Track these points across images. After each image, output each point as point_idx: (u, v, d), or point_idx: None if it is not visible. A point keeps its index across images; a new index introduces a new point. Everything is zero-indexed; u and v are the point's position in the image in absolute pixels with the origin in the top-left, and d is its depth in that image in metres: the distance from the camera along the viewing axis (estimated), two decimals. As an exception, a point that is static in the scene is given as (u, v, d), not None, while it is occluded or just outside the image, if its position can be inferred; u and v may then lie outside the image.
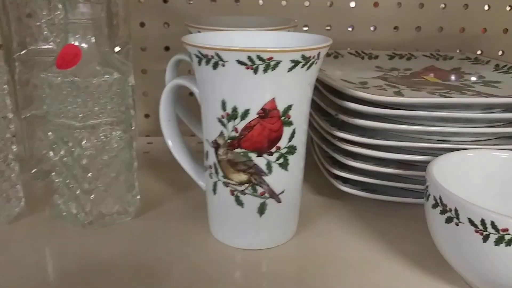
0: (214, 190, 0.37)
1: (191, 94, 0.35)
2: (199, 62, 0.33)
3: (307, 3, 0.61)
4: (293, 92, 0.33)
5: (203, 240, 0.38)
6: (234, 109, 0.33)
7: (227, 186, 0.35)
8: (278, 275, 0.34)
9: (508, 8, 0.64)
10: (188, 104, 0.45)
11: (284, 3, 0.61)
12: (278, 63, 0.31)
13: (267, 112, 0.33)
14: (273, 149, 0.34)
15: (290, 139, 0.34)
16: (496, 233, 0.27)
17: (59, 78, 0.36)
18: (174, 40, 0.60)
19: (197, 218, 0.41)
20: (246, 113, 0.33)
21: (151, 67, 0.62)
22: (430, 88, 0.45)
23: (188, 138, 0.42)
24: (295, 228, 0.39)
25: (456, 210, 0.29)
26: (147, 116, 0.64)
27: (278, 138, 0.34)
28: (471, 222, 0.28)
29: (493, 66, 0.54)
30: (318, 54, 0.33)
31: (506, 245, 0.27)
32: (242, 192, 0.35)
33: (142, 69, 0.62)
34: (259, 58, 0.31)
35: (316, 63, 0.33)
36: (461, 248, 0.30)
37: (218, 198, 0.37)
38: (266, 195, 0.35)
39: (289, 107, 0.33)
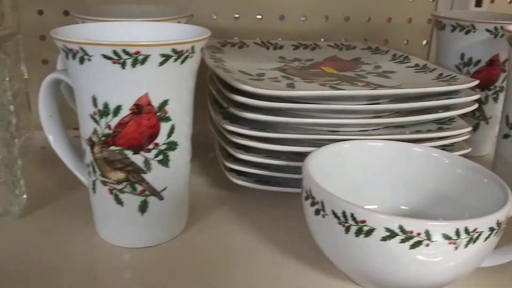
0: (94, 188, 0.35)
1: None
2: (67, 57, 0.32)
3: (214, -8, 0.61)
4: (168, 86, 0.33)
5: (89, 239, 0.37)
6: (106, 105, 0.32)
7: (105, 185, 0.34)
8: (165, 272, 0.34)
9: (411, -2, 0.66)
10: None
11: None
12: (146, 57, 0.30)
13: (140, 108, 0.32)
14: (151, 146, 0.33)
15: (169, 135, 0.34)
16: (356, 224, 0.28)
17: None
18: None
19: (84, 217, 0.39)
20: (118, 109, 0.32)
21: (54, 57, 0.59)
22: (323, 79, 0.46)
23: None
24: (183, 223, 0.39)
25: (322, 203, 0.30)
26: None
27: (155, 135, 0.33)
28: (334, 214, 0.29)
29: (391, 56, 0.55)
30: (193, 48, 0.32)
31: (365, 236, 0.28)
32: (121, 190, 0.34)
33: (43, 60, 0.59)
34: (125, 52, 0.30)
35: (191, 56, 0.33)
36: (329, 239, 0.31)
37: (98, 197, 0.36)
38: (147, 193, 0.35)
39: (165, 102, 0.33)
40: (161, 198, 0.35)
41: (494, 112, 0.53)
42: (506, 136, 0.45)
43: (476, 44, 0.51)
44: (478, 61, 0.52)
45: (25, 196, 0.40)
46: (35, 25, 0.57)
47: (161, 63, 0.31)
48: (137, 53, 0.30)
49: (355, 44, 0.60)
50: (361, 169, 0.38)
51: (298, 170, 0.42)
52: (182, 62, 0.32)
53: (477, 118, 0.54)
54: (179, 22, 0.43)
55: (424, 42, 0.69)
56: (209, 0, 0.60)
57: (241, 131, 0.40)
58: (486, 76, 0.52)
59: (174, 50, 0.31)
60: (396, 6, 0.66)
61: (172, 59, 0.31)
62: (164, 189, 0.35)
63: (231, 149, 0.42)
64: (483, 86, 0.53)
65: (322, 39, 0.64)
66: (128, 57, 0.30)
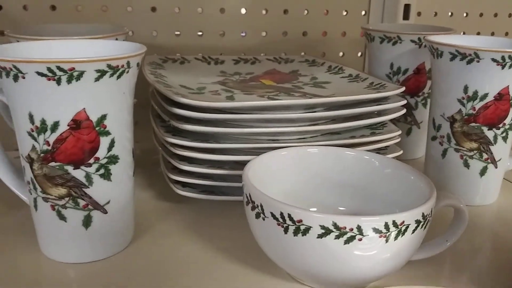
0: (35, 206, 0.35)
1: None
2: (0, 75, 0.32)
3: (154, 9, 0.62)
4: (105, 101, 0.33)
5: (34, 258, 0.37)
6: (43, 122, 0.32)
7: (47, 202, 0.34)
8: (113, 285, 0.34)
9: (344, 13, 0.70)
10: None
11: (129, 8, 0.61)
12: (82, 73, 0.31)
13: (78, 123, 0.32)
14: (91, 160, 0.34)
15: (109, 149, 0.34)
16: (294, 224, 0.30)
17: None
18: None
19: (27, 235, 0.39)
20: (56, 125, 0.32)
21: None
22: (262, 91, 0.48)
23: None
24: (129, 237, 0.39)
25: (261, 206, 0.31)
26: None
27: (95, 149, 0.34)
28: (273, 216, 0.30)
29: (327, 68, 0.58)
30: (128, 63, 0.33)
31: (302, 235, 0.30)
32: (63, 206, 0.34)
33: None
34: (60, 69, 0.30)
35: (127, 71, 0.33)
36: (270, 241, 0.32)
37: (40, 214, 0.35)
38: (90, 207, 0.35)
39: (103, 117, 0.33)
40: (105, 212, 0.35)
41: (425, 117, 0.57)
42: (433, 138, 0.49)
43: (403, 54, 0.55)
44: (406, 70, 0.55)
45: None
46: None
47: (97, 79, 0.32)
48: (72, 69, 0.30)
49: (293, 57, 0.63)
50: (298, 175, 0.39)
51: (240, 178, 0.44)
52: (118, 77, 0.33)
53: (409, 123, 0.58)
54: (116, 39, 0.44)
55: (359, 54, 0.73)
56: (149, 18, 0.61)
57: (183, 143, 0.41)
58: (414, 83, 0.56)
59: (109, 66, 0.32)
60: (330, 21, 0.69)
61: (108, 75, 0.32)
62: (107, 203, 0.35)
63: (175, 161, 0.42)
64: (412, 93, 0.56)
65: (262, 54, 0.66)
66: (63, 74, 0.30)
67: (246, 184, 0.33)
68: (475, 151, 0.46)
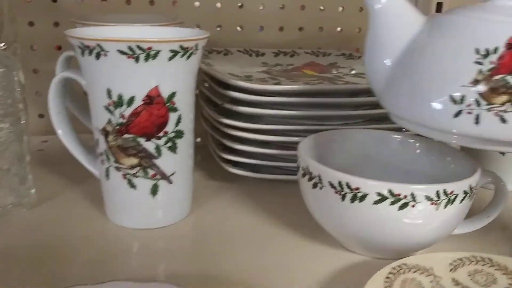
0: (107, 175, 0.38)
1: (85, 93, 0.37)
2: (83, 53, 0.35)
3: (197, 4, 0.65)
4: (175, 80, 0.36)
5: (101, 224, 0.40)
6: (120, 97, 0.35)
7: (119, 171, 0.37)
8: (174, 251, 0.37)
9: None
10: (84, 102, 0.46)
11: (176, 3, 0.64)
12: (158, 52, 0.34)
13: (152, 98, 0.35)
14: (161, 134, 0.37)
15: (176, 124, 0.37)
16: (351, 191, 0.32)
17: None
18: (66, 39, 0.60)
19: (93, 205, 0.42)
20: (131, 100, 0.35)
21: (43, 67, 0.62)
22: (306, 79, 0.51)
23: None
24: (189, 207, 0.42)
25: (319, 176, 0.34)
26: (41, 116, 0.63)
27: (165, 123, 0.37)
28: (331, 185, 0.33)
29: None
30: (196, 45, 0.36)
31: (359, 201, 0.32)
32: (134, 175, 0.37)
33: (34, 69, 0.61)
34: (139, 47, 0.33)
35: (195, 53, 0.36)
36: (326, 209, 0.35)
37: (111, 182, 0.38)
38: (158, 176, 0.38)
39: (173, 94, 0.36)
40: (170, 182, 0.38)
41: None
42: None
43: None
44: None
45: (33, 190, 0.42)
46: (25, 37, 0.59)
47: (170, 58, 0.35)
48: (149, 48, 0.34)
49: (330, 51, 0.66)
50: (346, 155, 0.42)
51: (288, 159, 0.46)
52: (188, 58, 0.36)
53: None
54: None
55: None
56: (193, 12, 0.65)
57: (237, 124, 0.44)
58: None
59: (181, 47, 0.35)
60: (364, 18, 0.72)
61: (179, 55, 0.35)
62: (172, 174, 0.38)
63: (228, 141, 0.45)
64: None
65: (299, 48, 0.68)
66: (141, 52, 0.34)
67: (303, 158, 0.36)
68: None
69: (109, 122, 0.36)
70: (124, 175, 0.37)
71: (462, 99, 0.29)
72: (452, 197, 0.32)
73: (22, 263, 0.35)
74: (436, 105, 0.30)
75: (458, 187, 0.32)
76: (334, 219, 0.35)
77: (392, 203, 0.32)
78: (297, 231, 0.40)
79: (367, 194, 0.32)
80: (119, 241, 0.38)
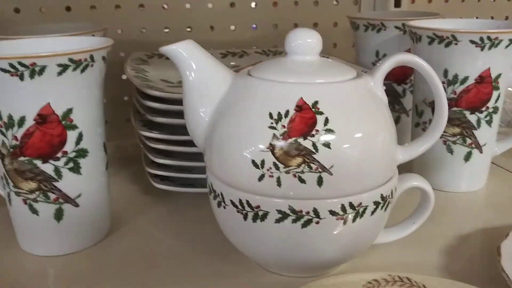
0: (9, 201, 0.36)
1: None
2: (-33, 73, 0.32)
3: (140, 7, 0.62)
4: (70, 96, 0.34)
5: (12, 251, 0.38)
6: (10, 117, 0.33)
7: (19, 196, 0.35)
8: (86, 278, 0.35)
9: (335, 3, 0.69)
10: None
11: (117, 6, 0.62)
12: (43, 68, 0.32)
13: (44, 117, 0.33)
14: (59, 154, 0.34)
15: (77, 143, 0.35)
16: (252, 210, 0.30)
17: None
18: None
19: (7, 230, 0.40)
20: (22, 120, 0.33)
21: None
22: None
23: None
24: (105, 229, 0.39)
25: (222, 195, 0.31)
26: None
27: (62, 143, 0.34)
28: (233, 203, 0.30)
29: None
30: (91, 57, 0.34)
31: (261, 220, 0.30)
32: (34, 200, 0.35)
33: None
34: (22, 64, 0.31)
35: (91, 65, 0.34)
36: (232, 228, 0.32)
37: (14, 208, 0.36)
38: (61, 200, 0.35)
39: (69, 111, 0.34)
40: (76, 205, 0.36)
41: (414, 104, 0.57)
42: (417, 124, 0.48)
43: (388, 41, 0.54)
44: (392, 57, 0.55)
45: None
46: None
47: (60, 73, 0.32)
48: (33, 64, 0.31)
49: (282, 49, 0.63)
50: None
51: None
52: (82, 71, 0.33)
53: (397, 111, 0.57)
54: (93, 35, 0.44)
55: (353, 44, 0.72)
56: (139, 15, 0.62)
57: (154, 136, 0.41)
58: (401, 70, 0.55)
59: (71, 60, 0.32)
60: (321, 12, 0.69)
61: (70, 69, 0.33)
62: (78, 196, 0.36)
63: (151, 154, 0.43)
64: (399, 81, 0.56)
65: (254, 47, 0.66)
66: (25, 69, 0.31)
67: (208, 174, 0.33)
68: (458, 136, 0.45)
69: (3, 144, 0.34)
70: (25, 201, 0.35)
71: (262, 164, 0.29)
72: (361, 210, 0.29)
73: None
74: (242, 169, 0.29)
75: (366, 198, 0.29)
76: (242, 239, 0.32)
77: (294, 220, 0.29)
78: (222, 248, 0.37)
79: (268, 213, 0.29)
80: (29, 270, 0.36)
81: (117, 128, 0.62)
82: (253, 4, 0.66)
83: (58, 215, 0.36)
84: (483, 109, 0.44)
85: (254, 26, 0.66)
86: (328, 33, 0.69)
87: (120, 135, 0.60)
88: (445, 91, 0.43)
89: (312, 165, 0.28)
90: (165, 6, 0.63)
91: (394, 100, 0.56)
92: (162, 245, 0.39)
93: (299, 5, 0.68)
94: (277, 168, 0.28)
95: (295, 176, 0.28)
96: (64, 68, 0.32)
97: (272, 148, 0.28)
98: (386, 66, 0.32)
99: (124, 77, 0.61)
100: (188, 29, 0.65)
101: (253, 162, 0.29)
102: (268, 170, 0.29)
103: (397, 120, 0.57)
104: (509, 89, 0.66)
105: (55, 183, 0.35)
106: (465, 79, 0.43)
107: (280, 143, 0.28)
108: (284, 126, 0.28)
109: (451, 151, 0.46)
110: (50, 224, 0.36)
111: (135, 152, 0.57)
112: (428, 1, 0.73)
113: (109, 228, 0.40)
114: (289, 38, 0.32)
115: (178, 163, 0.42)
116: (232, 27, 0.66)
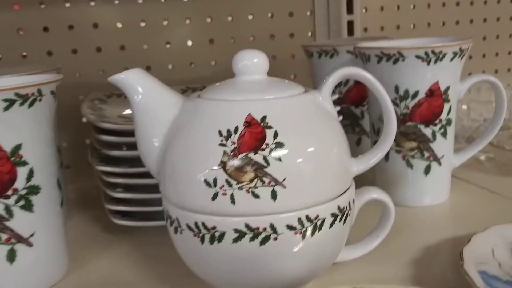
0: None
1: None
2: None
3: (97, 51, 0.63)
4: (19, 131, 0.33)
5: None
6: (-40, 156, 0.32)
7: (-29, 239, 0.34)
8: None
9: (291, 36, 0.71)
10: None
11: (77, 52, 0.62)
12: (-12, 104, 0.31)
13: (-9, 155, 0.32)
14: (9, 192, 0.33)
15: (28, 179, 0.34)
16: (208, 232, 0.29)
17: None
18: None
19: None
20: (-32, 158, 0.32)
21: None
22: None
23: None
24: (63, 269, 0.38)
25: (177, 219, 0.30)
26: None
27: (12, 180, 0.33)
28: (189, 227, 0.30)
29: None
30: (39, 91, 0.33)
31: (218, 242, 0.29)
32: (-16, 242, 0.33)
33: None
34: (-34, 101, 0.30)
35: (40, 100, 0.33)
36: (191, 255, 0.31)
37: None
38: (13, 240, 0.34)
39: (18, 147, 0.33)
40: (30, 245, 0.34)
41: (373, 126, 0.58)
42: (375, 142, 0.49)
43: (341, 65, 0.54)
44: (347, 81, 0.56)
45: None
46: None
47: (6, 108, 0.32)
48: (-22, 100, 0.31)
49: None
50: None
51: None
52: (30, 105, 0.33)
53: (357, 133, 0.58)
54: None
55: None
56: (96, 57, 0.63)
57: (110, 170, 0.41)
58: (357, 93, 0.56)
59: (17, 94, 0.32)
60: (278, 45, 0.71)
61: (17, 104, 0.32)
62: (31, 235, 0.34)
63: (110, 190, 0.42)
64: (357, 103, 0.57)
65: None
66: (-30, 106, 0.31)
67: (164, 202, 0.32)
68: (415, 150, 0.46)
69: (-49, 185, 0.33)
70: (-26, 243, 0.34)
71: (215, 182, 0.28)
72: (319, 223, 0.29)
73: None
74: (195, 190, 0.29)
75: (323, 210, 0.29)
76: (200, 263, 0.31)
77: (252, 238, 0.28)
78: (185, 280, 0.36)
79: (224, 233, 0.29)
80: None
81: (79, 172, 0.62)
82: (210, 41, 0.68)
83: (11, 256, 0.34)
84: (437, 122, 0.45)
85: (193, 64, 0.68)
86: (286, 64, 0.71)
87: (82, 179, 0.60)
88: (398, 106, 0.45)
89: (264, 179, 0.28)
90: (123, 46, 0.64)
91: (354, 122, 0.57)
92: (123, 283, 0.37)
93: (256, 39, 0.69)
94: (230, 185, 0.28)
95: (248, 191, 0.28)
96: (11, 103, 0.32)
97: (223, 165, 0.28)
98: (332, 81, 0.33)
99: (84, 120, 0.61)
100: (147, 69, 0.65)
101: (206, 181, 0.29)
102: (221, 188, 0.28)
103: (358, 142, 0.58)
104: (464, 107, 0.69)
105: (6, 223, 0.33)
106: (416, 93, 0.44)
107: (231, 160, 0.28)
108: (234, 143, 0.28)
109: (410, 166, 0.46)
110: (2, 266, 0.34)
111: (97, 194, 0.56)
112: (380, 29, 0.76)
113: (67, 269, 0.38)
114: (235, 60, 0.33)
115: (136, 196, 0.41)
116: (193, 66, 0.67)
